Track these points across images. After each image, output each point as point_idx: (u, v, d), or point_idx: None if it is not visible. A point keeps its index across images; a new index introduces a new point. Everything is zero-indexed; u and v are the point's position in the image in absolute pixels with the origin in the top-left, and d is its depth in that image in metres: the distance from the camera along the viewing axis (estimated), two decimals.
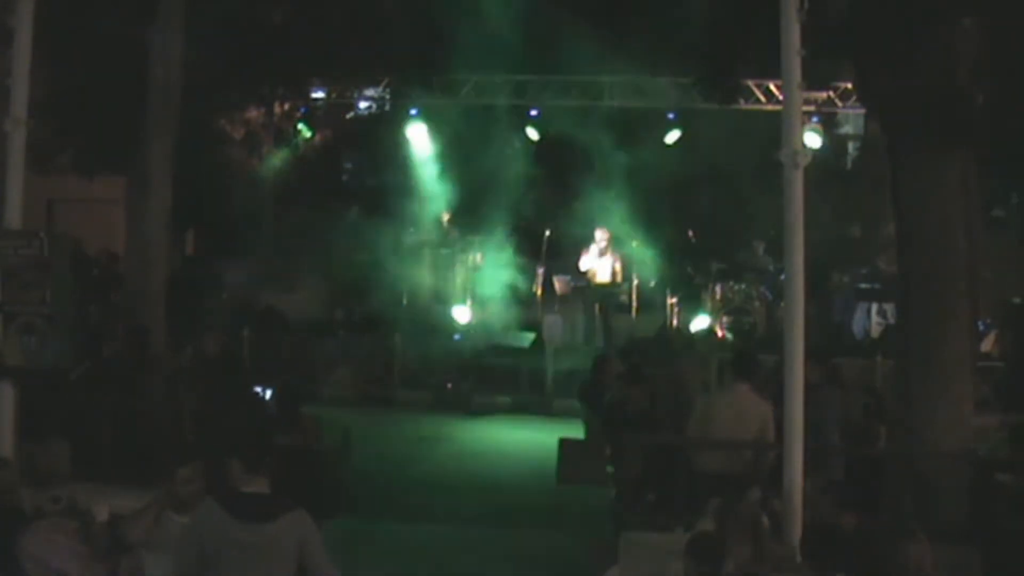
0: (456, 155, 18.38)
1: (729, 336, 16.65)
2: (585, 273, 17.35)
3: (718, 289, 17.05)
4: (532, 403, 15.46)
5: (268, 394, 11.12)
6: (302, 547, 5.38)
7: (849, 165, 20.81)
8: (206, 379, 10.39)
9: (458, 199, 18.43)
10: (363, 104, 20.29)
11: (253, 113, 18.30)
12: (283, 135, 18.94)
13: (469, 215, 18.54)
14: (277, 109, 18.82)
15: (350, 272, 18.17)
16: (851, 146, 20.90)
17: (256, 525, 5.30)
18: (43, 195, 16.53)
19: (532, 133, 18.88)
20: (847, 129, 20.56)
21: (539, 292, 18.00)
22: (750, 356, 9.32)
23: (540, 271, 18.02)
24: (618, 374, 11.11)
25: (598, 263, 17.31)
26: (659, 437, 9.56)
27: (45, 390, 8.57)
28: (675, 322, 17.47)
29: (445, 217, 18.66)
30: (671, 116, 18.74)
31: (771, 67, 7.36)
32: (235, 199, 17.64)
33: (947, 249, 7.97)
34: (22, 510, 6.01)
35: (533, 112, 18.80)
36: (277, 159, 18.80)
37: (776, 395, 7.84)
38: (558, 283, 17.74)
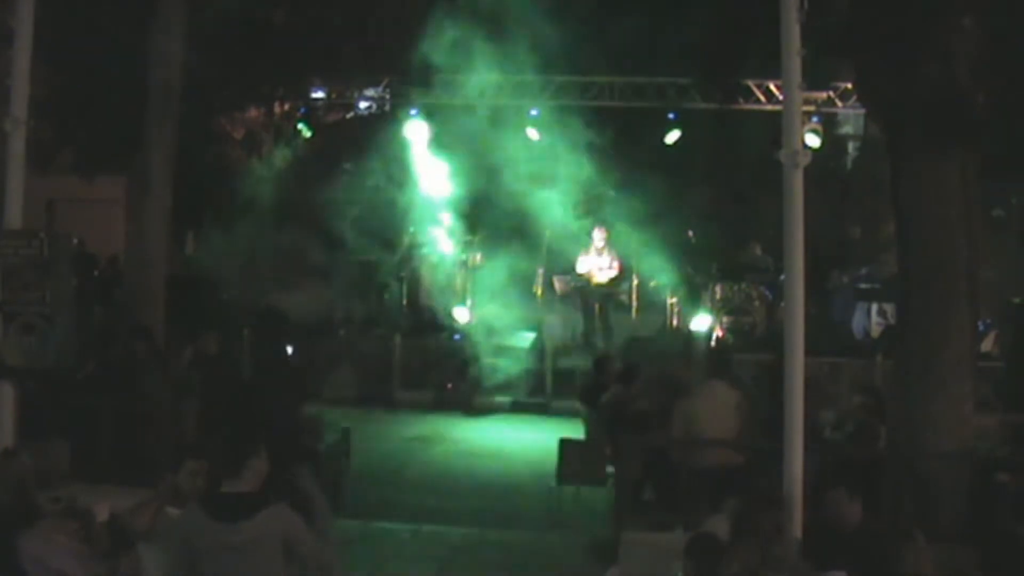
0: (456, 155, 18.36)
1: (729, 336, 16.64)
2: (584, 273, 17.34)
3: (718, 289, 17.01)
4: (532, 403, 15.47)
5: None
6: (286, 539, 5.38)
7: (849, 165, 20.80)
8: (204, 379, 10.37)
9: (458, 199, 18.42)
10: (363, 104, 20.27)
11: (253, 113, 18.30)
12: (283, 135, 18.94)
13: (469, 215, 18.54)
14: (277, 109, 18.82)
15: (350, 272, 18.15)
16: (851, 146, 20.88)
17: (235, 524, 5.31)
18: (43, 195, 16.58)
19: (532, 133, 18.86)
20: (847, 129, 20.54)
21: (539, 292, 18.00)
22: (726, 357, 9.71)
23: (540, 271, 18.01)
24: (618, 374, 11.12)
25: (596, 263, 17.31)
26: (659, 437, 9.56)
27: (47, 390, 8.58)
28: (675, 322, 17.47)
29: (445, 217, 18.65)
30: (671, 116, 18.72)
31: (771, 67, 7.35)
32: (235, 198, 17.64)
33: (947, 249, 7.95)
34: (38, 505, 6.02)
35: (533, 112, 18.78)
36: (277, 159, 18.79)
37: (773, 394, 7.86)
38: (558, 283, 17.72)
